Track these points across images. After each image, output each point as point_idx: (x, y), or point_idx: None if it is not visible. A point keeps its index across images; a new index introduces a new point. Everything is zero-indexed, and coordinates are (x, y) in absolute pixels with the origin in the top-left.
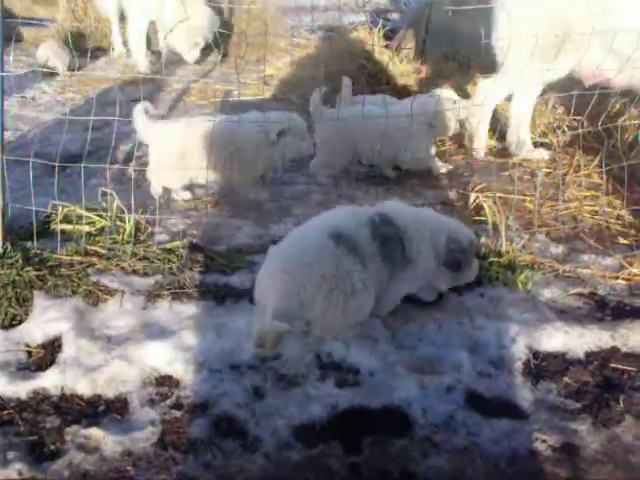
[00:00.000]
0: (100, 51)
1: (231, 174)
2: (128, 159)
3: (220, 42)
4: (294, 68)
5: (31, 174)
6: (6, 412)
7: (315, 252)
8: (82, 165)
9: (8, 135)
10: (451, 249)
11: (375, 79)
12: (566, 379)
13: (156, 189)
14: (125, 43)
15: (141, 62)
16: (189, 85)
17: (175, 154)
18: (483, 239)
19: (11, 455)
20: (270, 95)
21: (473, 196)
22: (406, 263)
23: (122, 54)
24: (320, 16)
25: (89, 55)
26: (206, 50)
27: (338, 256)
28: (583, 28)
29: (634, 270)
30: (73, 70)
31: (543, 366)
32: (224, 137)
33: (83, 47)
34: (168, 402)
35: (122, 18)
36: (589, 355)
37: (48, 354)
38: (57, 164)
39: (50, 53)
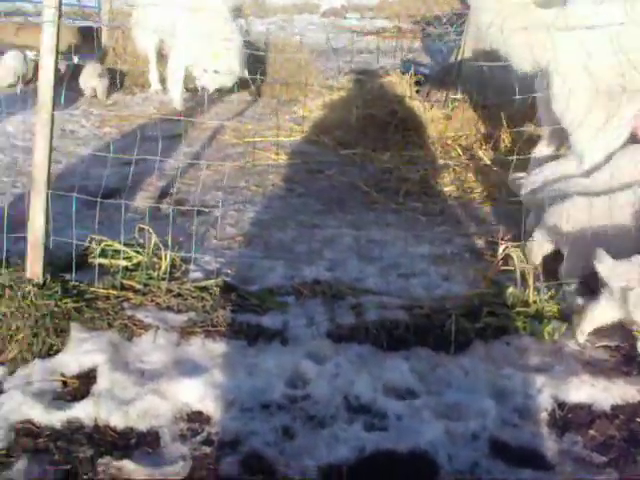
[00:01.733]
0: (137, 87)
1: None
2: (163, 195)
3: (254, 82)
4: (327, 110)
5: (74, 208)
6: (41, 440)
7: None
8: (122, 202)
9: None
10: None
11: (405, 124)
12: (592, 432)
13: None
14: (162, 81)
15: (177, 100)
16: (223, 124)
17: None
18: (511, 289)
19: None
20: (303, 137)
21: (503, 246)
22: None
23: (158, 91)
24: (352, 59)
25: (126, 91)
26: (240, 90)
27: None
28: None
29: None
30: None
31: (569, 417)
32: None
33: (121, 83)
34: (199, 438)
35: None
36: (615, 409)
37: (83, 385)
38: (99, 200)
39: (93, 75)
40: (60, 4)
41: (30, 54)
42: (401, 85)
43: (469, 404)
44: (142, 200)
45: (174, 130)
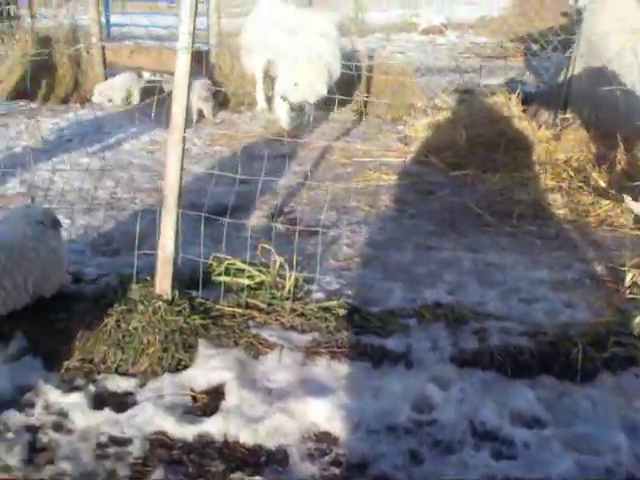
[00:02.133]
0: (243, 106)
1: None
2: (276, 214)
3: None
4: (433, 130)
5: (202, 228)
6: (175, 452)
7: None
8: (245, 221)
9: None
10: None
11: (514, 144)
12: None
13: None
14: (268, 100)
15: (284, 119)
16: (331, 143)
17: None
18: (638, 318)
19: None
20: (411, 157)
21: (630, 274)
22: None
23: (264, 110)
24: (456, 78)
25: (233, 110)
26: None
27: None
28: None
29: None
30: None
31: None
32: None
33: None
34: (327, 458)
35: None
36: None
37: (212, 401)
38: (227, 220)
39: (202, 96)
40: (194, 31)
41: (146, 75)
42: (508, 105)
43: (600, 437)
44: (256, 219)
45: (283, 149)
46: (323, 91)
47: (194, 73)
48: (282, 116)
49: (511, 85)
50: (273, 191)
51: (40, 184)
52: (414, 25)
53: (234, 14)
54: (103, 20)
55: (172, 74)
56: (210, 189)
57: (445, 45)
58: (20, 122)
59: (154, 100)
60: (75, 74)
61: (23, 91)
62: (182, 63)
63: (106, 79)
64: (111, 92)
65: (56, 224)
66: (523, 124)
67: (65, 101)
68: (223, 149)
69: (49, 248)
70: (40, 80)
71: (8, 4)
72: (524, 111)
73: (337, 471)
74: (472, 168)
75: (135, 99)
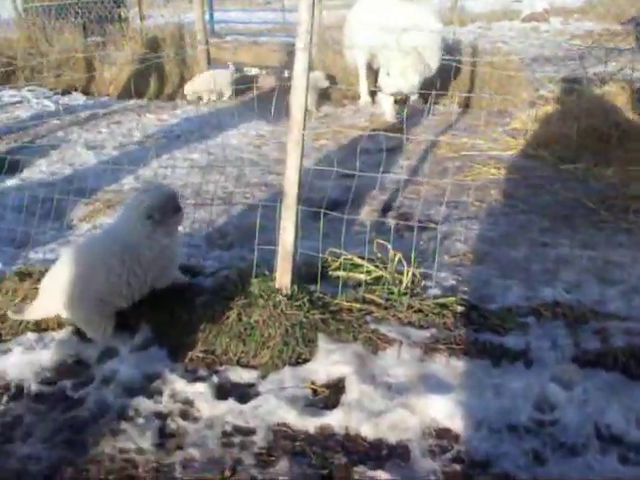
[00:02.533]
0: (346, 100)
1: None
2: (386, 209)
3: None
4: (542, 122)
5: (321, 225)
6: (297, 444)
7: None
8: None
9: (272, 179)
10: None
11: (628, 137)
12: None
13: None
14: (371, 93)
15: (389, 112)
16: (437, 137)
17: None
18: None
19: None
20: (520, 150)
21: None
22: None
23: (367, 103)
24: (562, 67)
25: (336, 104)
26: (449, 101)
27: None
28: None
29: None
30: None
31: None
32: None
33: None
34: (448, 455)
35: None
36: None
37: (332, 394)
38: (345, 216)
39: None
40: (312, 29)
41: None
42: (620, 95)
43: None
44: (366, 214)
45: (389, 143)
46: (416, 83)
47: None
48: (387, 109)
49: (623, 73)
50: (382, 185)
51: (153, 179)
52: (516, 13)
53: (335, 6)
54: (207, 17)
55: (271, 68)
56: (319, 183)
57: (549, 32)
58: (131, 119)
59: (254, 95)
60: (181, 71)
61: (133, 89)
62: (301, 62)
63: None
64: (199, 88)
65: (176, 211)
66: (638, 115)
67: (172, 98)
68: (329, 143)
69: (163, 245)
70: (148, 78)
71: (119, 7)
72: (639, 101)
73: (458, 468)
74: (584, 162)
75: (226, 95)
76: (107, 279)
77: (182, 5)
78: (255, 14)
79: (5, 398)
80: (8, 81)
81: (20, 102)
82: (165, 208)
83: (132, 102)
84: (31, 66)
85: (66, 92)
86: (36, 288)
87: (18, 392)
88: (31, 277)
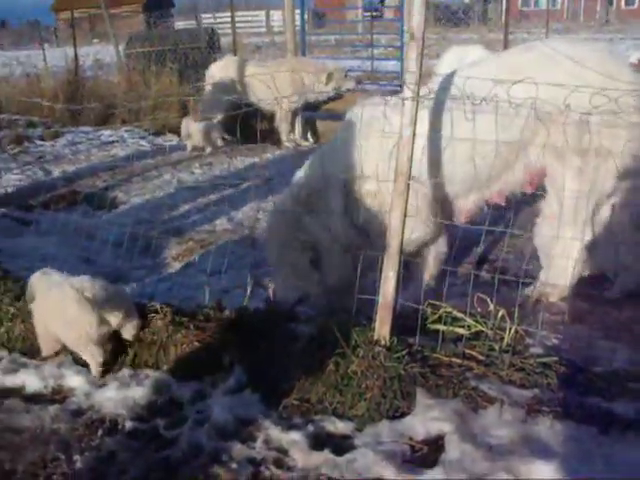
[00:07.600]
0: None
1: None
2: (481, 261)
3: None
4: None
5: (422, 274)
6: None
7: None
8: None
9: None
10: None
11: None
12: None
13: None
14: None
15: None
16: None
17: None
18: None
19: None
20: None
21: None
22: None
23: None
24: None
25: None
26: None
27: None
28: None
29: None
30: None
31: None
32: None
33: None
34: None
35: None
36: None
37: (431, 452)
38: (449, 268)
39: None
40: (419, 82)
41: None
42: None
43: None
44: (460, 266)
45: None
46: None
47: None
48: None
49: None
50: (475, 237)
51: (245, 222)
52: None
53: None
54: None
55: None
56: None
57: None
58: (222, 161)
59: None
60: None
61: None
62: (409, 112)
63: None
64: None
65: None
66: None
67: (262, 141)
68: None
69: None
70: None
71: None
72: None
73: None
74: None
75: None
76: None
77: (273, 52)
78: (344, 62)
79: (100, 432)
80: (107, 122)
81: (117, 141)
82: None
83: (222, 144)
84: (129, 108)
85: (160, 133)
86: None
87: (112, 427)
88: None
